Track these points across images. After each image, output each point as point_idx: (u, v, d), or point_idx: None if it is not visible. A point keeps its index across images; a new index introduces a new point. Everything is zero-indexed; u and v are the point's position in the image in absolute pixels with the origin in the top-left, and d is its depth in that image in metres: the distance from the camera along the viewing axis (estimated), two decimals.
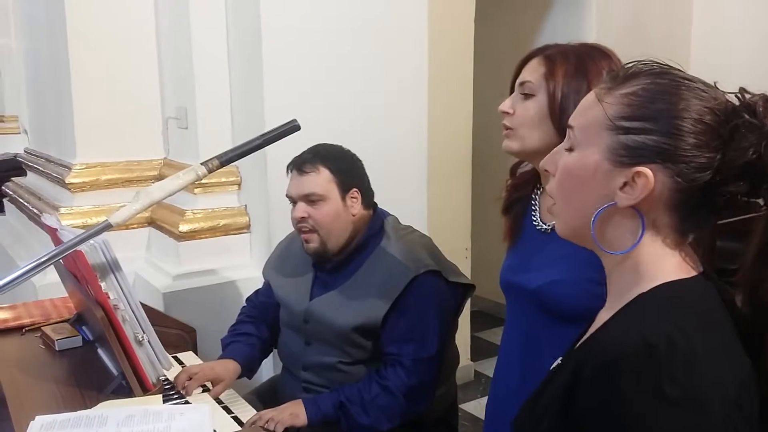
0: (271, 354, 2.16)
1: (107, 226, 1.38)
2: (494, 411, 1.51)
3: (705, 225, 0.88)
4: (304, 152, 1.91)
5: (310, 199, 1.85)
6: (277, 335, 2.07)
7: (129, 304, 1.50)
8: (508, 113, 1.36)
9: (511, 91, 1.39)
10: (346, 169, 1.89)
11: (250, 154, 1.47)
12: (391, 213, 2.02)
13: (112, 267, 1.48)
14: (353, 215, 1.89)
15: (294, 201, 1.90)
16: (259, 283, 2.20)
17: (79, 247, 1.42)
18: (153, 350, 1.56)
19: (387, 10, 2.63)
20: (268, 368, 2.40)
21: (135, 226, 2.71)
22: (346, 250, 1.90)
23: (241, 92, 2.60)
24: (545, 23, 4.14)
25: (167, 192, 1.38)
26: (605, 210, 0.86)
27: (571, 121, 0.91)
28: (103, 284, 1.48)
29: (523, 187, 1.46)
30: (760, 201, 0.84)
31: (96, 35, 2.67)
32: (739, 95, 0.85)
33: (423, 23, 2.72)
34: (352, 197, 1.88)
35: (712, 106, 0.83)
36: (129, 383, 1.54)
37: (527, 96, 1.33)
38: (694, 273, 0.87)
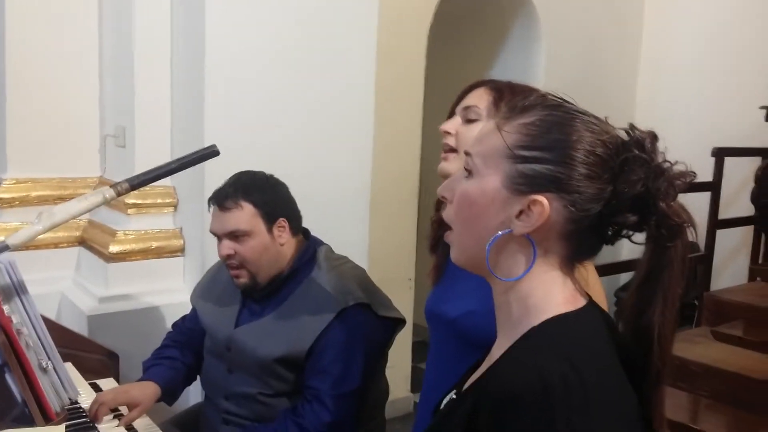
0: (198, 380, 2.10)
1: (4, 248, 1.32)
2: None
3: (592, 254, 0.91)
4: (225, 185, 1.85)
5: (235, 235, 1.80)
6: (202, 363, 2.01)
7: (34, 328, 1.44)
8: (450, 133, 1.37)
9: (450, 115, 1.39)
10: (270, 200, 1.83)
11: (163, 177, 1.43)
12: (326, 242, 1.98)
13: (17, 289, 1.42)
14: (282, 244, 1.85)
15: (219, 237, 1.85)
16: (190, 308, 2.14)
17: None
18: (58, 378, 1.50)
19: (335, 38, 2.64)
20: (196, 394, 2.34)
21: (64, 245, 2.64)
22: (277, 280, 1.86)
23: (182, 114, 2.56)
24: (497, 59, 4.21)
25: (70, 214, 1.33)
26: (500, 237, 0.87)
27: (470, 148, 0.92)
28: (6, 307, 1.42)
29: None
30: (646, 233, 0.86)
31: (36, 49, 2.62)
32: (629, 131, 0.87)
33: (372, 53, 2.73)
34: (279, 227, 1.84)
35: (603, 139, 0.85)
36: (31, 411, 1.47)
37: (471, 121, 1.34)
38: (582, 303, 0.88)
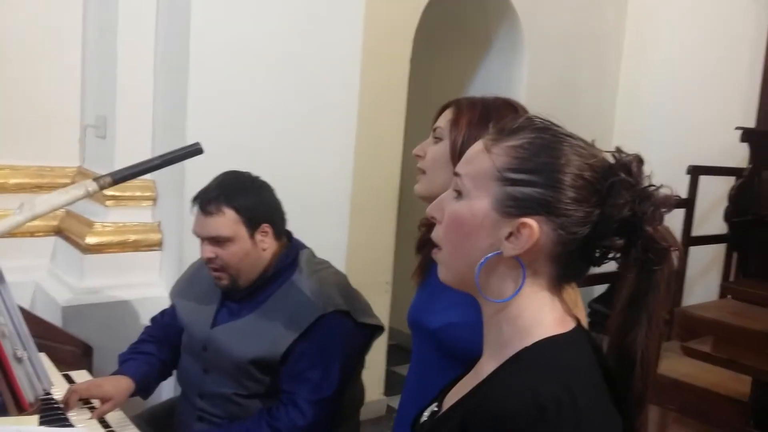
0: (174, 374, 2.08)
1: None
2: None
3: (580, 276, 0.92)
4: (209, 186, 1.83)
5: (217, 240, 1.79)
6: (178, 359, 2.00)
7: (10, 317, 1.42)
8: (419, 156, 1.41)
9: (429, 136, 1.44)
10: (254, 206, 1.81)
11: (146, 173, 1.43)
12: (307, 245, 1.97)
13: None
14: (264, 249, 1.84)
15: (201, 239, 1.83)
16: (166, 303, 2.13)
17: None
18: (33, 368, 1.48)
19: (321, 41, 2.64)
20: (169, 389, 2.32)
21: (40, 234, 2.61)
22: (257, 282, 1.86)
23: (164, 107, 2.55)
24: (480, 68, 4.23)
25: (51, 206, 1.32)
26: (490, 259, 0.87)
27: (459, 169, 0.92)
28: None
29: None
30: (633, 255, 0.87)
31: (17, 35, 2.58)
32: (615, 154, 0.88)
33: (356, 57, 2.73)
34: (262, 232, 1.82)
35: (591, 163, 0.86)
36: (5, 401, 1.45)
37: (437, 140, 1.38)
38: (571, 325, 0.89)
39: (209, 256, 1.80)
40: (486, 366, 0.90)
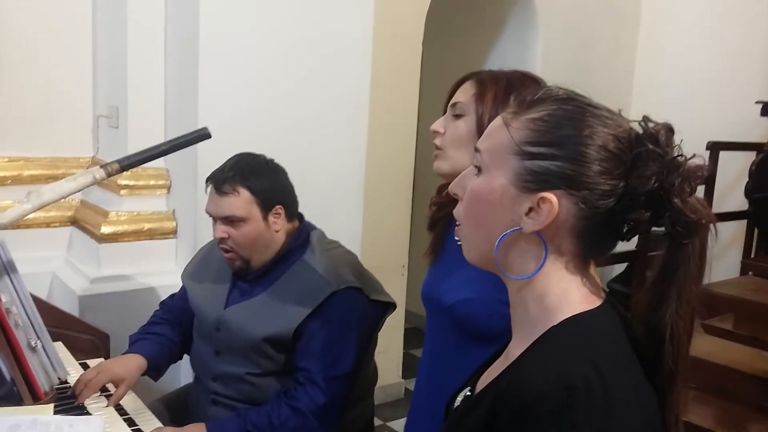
0: (188, 361, 2.09)
1: None
2: (409, 426, 1.51)
3: (607, 251, 0.89)
4: (224, 166, 1.83)
5: (230, 220, 1.79)
6: (188, 342, 2.01)
7: (24, 307, 1.43)
8: (438, 132, 1.37)
9: (444, 112, 1.39)
10: (268, 187, 1.82)
11: (154, 159, 1.43)
12: (319, 227, 1.97)
13: (6, 268, 1.41)
14: (276, 231, 1.84)
15: (214, 219, 1.84)
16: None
17: None
18: (48, 357, 1.49)
19: (331, 24, 2.61)
20: (186, 375, 2.34)
21: (56, 224, 2.63)
22: (269, 262, 1.86)
23: (176, 95, 2.54)
24: (493, 49, 4.19)
25: (59, 194, 1.33)
26: (510, 235, 0.85)
27: (479, 144, 0.90)
28: None
29: (447, 205, 1.46)
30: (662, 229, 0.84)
31: (29, 27, 2.59)
32: (642, 123, 0.85)
33: (368, 40, 2.71)
34: (275, 214, 1.83)
35: (616, 134, 0.83)
36: (19, 391, 1.47)
37: (458, 116, 1.34)
38: (598, 302, 0.86)
39: (222, 236, 1.80)
40: (515, 349, 0.89)
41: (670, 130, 0.84)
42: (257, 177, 1.81)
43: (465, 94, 1.34)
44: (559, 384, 0.75)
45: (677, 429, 0.85)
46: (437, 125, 1.37)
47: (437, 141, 1.37)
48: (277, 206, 1.83)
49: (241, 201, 1.78)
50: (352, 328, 1.79)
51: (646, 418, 0.80)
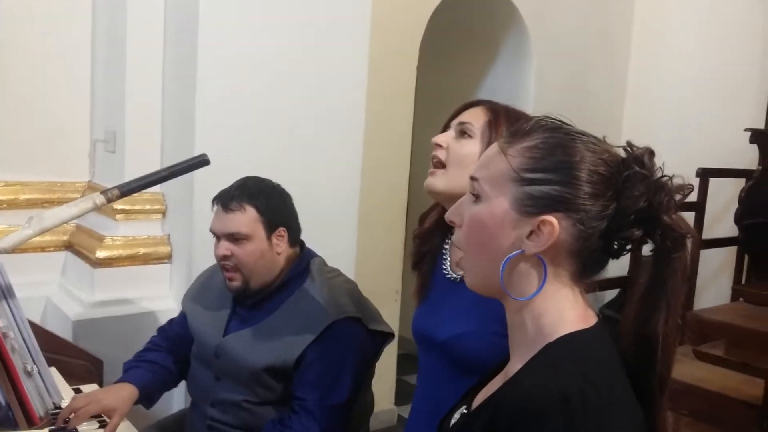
0: (184, 385, 2.09)
1: None
2: None
3: (600, 270, 0.94)
4: (231, 187, 1.87)
5: (235, 238, 1.81)
6: (184, 369, 2.01)
7: (20, 332, 1.44)
8: (441, 146, 1.35)
9: (444, 129, 1.39)
10: (274, 208, 1.85)
11: (153, 185, 1.44)
12: (318, 254, 1.99)
13: (4, 292, 1.42)
14: (278, 253, 1.86)
15: (218, 237, 1.86)
16: (176, 315, 2.14)
17: None
18: (43, 382, 1.50)
19: (327, 48, 2.64)
20: (180, 400, 2.33)
21: (51, 249, 2.63)
22: (269, 288, 1.87)
23: (173, 121, 2.57)
24: (487, 76, 4.24)
25: (61, 220, 1.34)
26: (512, 257, 0.89)
27: (476, 173, 0.94)
28: None
29: (430, 237, 1.46)
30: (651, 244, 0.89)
31: (27, 51, 2.61)
32: (627, 148, 0.90)
33: (363, 65, 2.74)
34: (278, 236, 1.85)
35: (604, 158, 0.89)
36: (15, 415, 1.47)
37: (464, 135, 1.34)
38: (593, 320, 0.91)
39: (225, 254, 1.82)
40: (513, 366, 0.92)
41: (651, 153, 0.90)
42: (264, 197, 1.85)
43: (476, 118, 1.34)
44: (556, 395, 0.78)
45: None
46: (441, 138, 1.36)
47: (439, 154, 1.36)
48: (281, 228, 1.86)
49: (247, 218, 1.81)
50: (350, 358, 1.80)
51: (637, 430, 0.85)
